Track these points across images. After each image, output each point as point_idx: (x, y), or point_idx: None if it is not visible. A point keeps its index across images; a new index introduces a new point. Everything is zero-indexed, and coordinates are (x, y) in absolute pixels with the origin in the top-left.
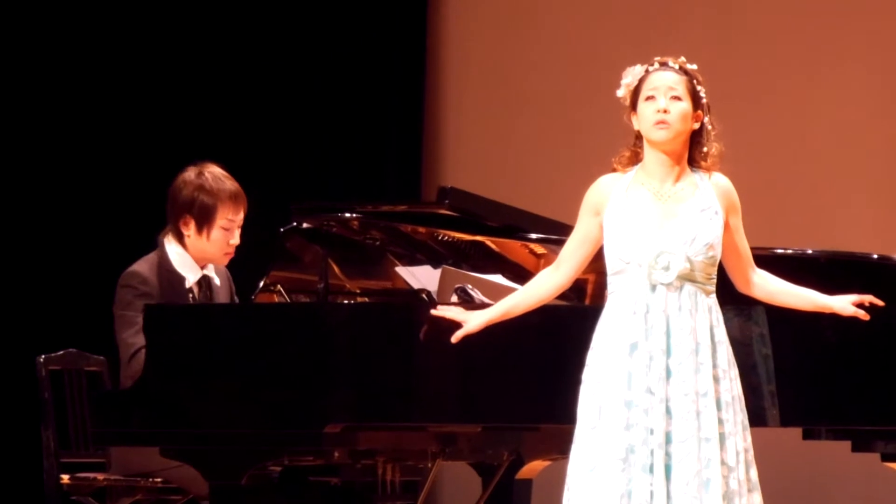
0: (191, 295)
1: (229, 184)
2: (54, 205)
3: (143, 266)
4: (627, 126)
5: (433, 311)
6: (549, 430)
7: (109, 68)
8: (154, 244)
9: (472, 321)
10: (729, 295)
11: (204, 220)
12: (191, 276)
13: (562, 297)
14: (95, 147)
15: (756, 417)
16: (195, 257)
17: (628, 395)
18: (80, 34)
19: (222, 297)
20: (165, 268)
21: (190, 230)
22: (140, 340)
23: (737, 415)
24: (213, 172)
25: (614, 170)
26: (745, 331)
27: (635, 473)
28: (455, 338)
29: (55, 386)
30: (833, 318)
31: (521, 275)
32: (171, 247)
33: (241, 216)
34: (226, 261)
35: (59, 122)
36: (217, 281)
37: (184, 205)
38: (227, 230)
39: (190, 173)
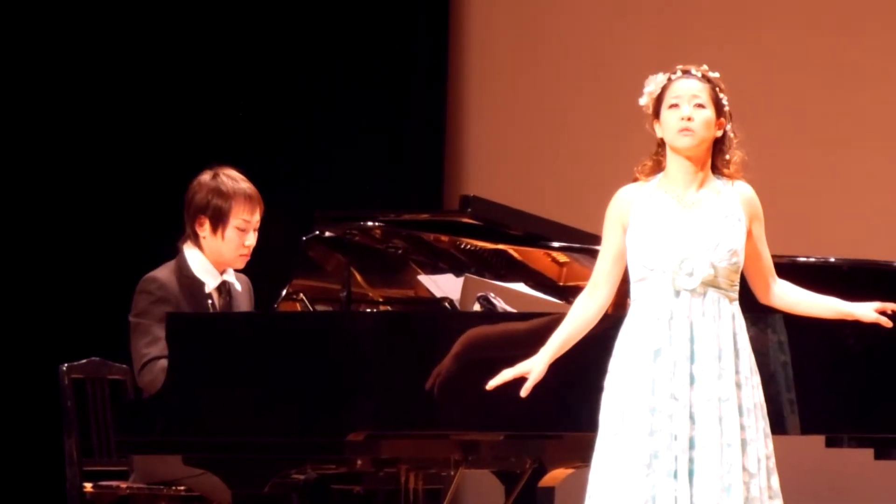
0: (210, 300)
1: (244, 184)
2: (77, 213)
3: (162, 272)
4: (649, 133)
5: (489, 386)
6: (572, 438)
7: (130, 76)
8: (175, 251)
9: (536, 369)
10: (747, 303)
11: (218, 219)
12: (210, 281)
13: None
14: (118, 155)
15: (777, 425)
16: (211, 260)
17: (652, 401)
18: (111, 43)
19: (243, 304)
20: (184, 273)
21: (205, 230)
22: (153, 351)
23: (758, 421)
24: (229, 174)
25: (635, 179)
26: (763, 338)
27: (659, 479)
28: (525, 391)
29: (78, 394)
30: (855, 326)
31: (543, 283)
32: (191, 252)
33: (256, 217)
34: (241, 263)
35: (82, 131)
36: (238, 287)
37: (199, 206)
38: (242, 231)
39: (205, 176)
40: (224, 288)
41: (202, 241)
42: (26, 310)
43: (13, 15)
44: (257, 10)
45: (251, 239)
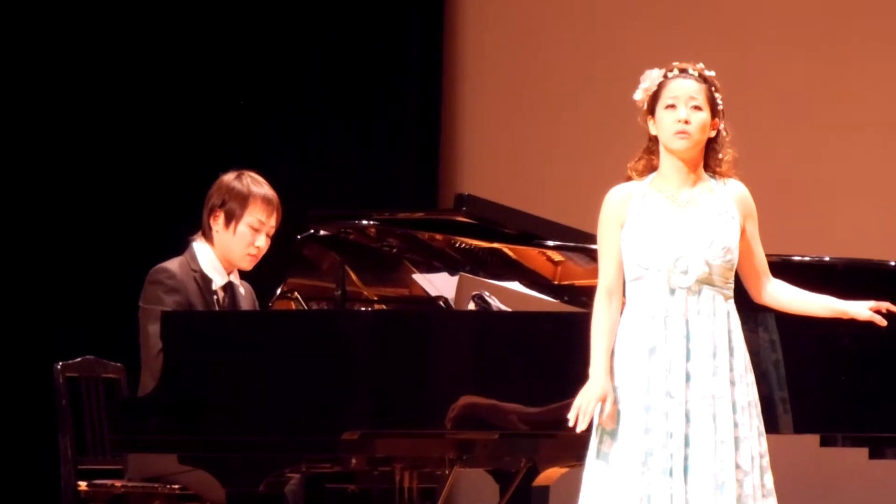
0: (216, 297)
1: (266, 188)
2: (73, 212)
3: (173, 263)
4: (642, 129)
5: (579, 429)
6: (567, 438)
7: (129, 76)
8: (177, 249)
9: (609, 391)
10: (738, 302)
11: (232, 214)
12: (218, 278)
13: (577, 303)
14: (113, 155)
15: (770, 424)
16: (220, 257)
17: (647, 400)
18: (115, 40)
19: (246, 307)
20: (193, 267)
21: (218, 224)
22: None
23: (752, 419)
24: (252, 176)
25: (628, 178)
26: (755, 337)
27: (654, 477)
28: (606, 416)
29: (72, 393)
30: (850, 325)
31: (538, 282)
32: (201, 248)
33: (272, 221)
34: (248, 263)
35: (81, 130)
36: (241, 290)
37: (217, 200)
38: (255, 230)
39: (230, 174)
40: (229, 288)
41: (214, 236)
42: (21, 308)
43: (14, 16)
44: (253, 12)
45: (262, 241)
